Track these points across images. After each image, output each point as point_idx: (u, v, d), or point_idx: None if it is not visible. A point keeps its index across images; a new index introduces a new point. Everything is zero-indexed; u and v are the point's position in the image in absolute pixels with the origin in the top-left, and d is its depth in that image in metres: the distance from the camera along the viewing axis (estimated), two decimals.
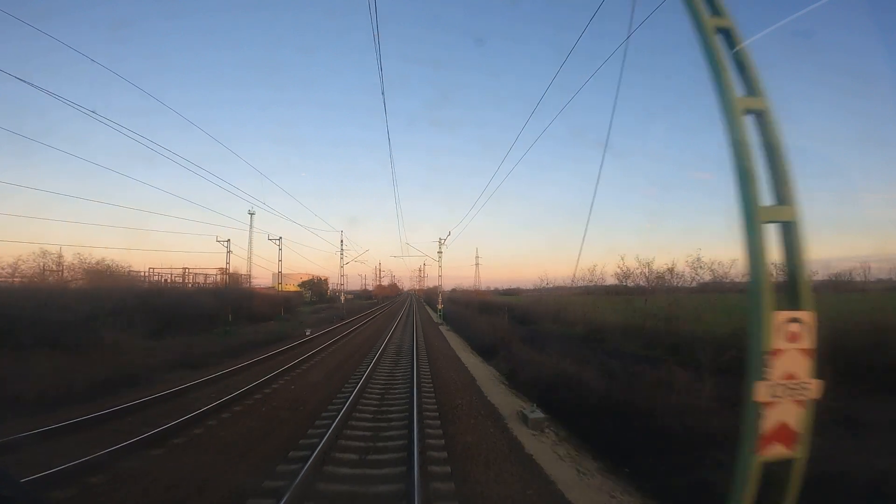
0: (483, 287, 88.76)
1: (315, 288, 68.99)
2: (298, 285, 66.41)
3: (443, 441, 6.86)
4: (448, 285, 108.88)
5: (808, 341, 2.72)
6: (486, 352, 17.17)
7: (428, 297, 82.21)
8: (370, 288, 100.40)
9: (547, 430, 7.73)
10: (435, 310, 45.46)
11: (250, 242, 34.73)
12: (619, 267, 26.37)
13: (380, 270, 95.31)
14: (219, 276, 46.57)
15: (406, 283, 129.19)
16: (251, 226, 33.21)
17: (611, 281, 30.07)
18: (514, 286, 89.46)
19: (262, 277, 67.40)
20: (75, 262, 24.28)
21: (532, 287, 64.12)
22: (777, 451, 2.69)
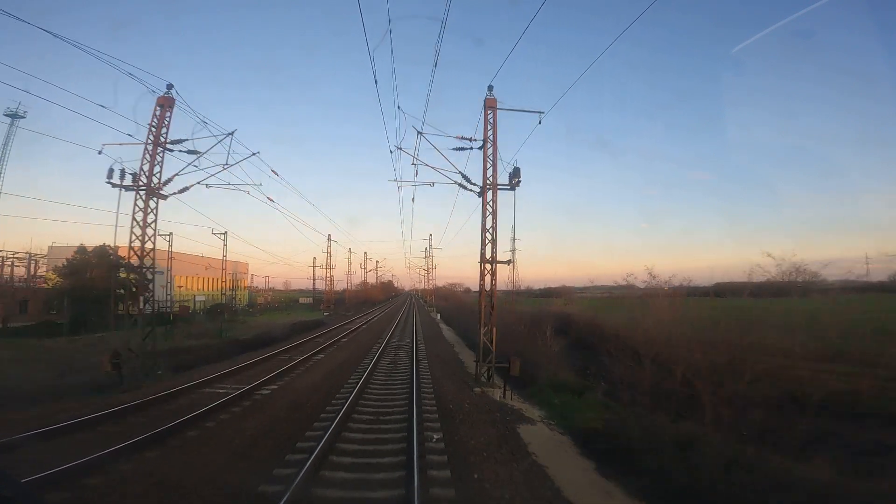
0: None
1: (81, 272, 27.91)
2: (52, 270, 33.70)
3: None
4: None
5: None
6: None
7: (445, 307, 45.89)
8: (361, 286, 67.77)
9: None
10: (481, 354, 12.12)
11: None
12: None
13: (350, 258, 53.73)
14: None
15: (407, 284, 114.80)
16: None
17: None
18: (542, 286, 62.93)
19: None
20: None
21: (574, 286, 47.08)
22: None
